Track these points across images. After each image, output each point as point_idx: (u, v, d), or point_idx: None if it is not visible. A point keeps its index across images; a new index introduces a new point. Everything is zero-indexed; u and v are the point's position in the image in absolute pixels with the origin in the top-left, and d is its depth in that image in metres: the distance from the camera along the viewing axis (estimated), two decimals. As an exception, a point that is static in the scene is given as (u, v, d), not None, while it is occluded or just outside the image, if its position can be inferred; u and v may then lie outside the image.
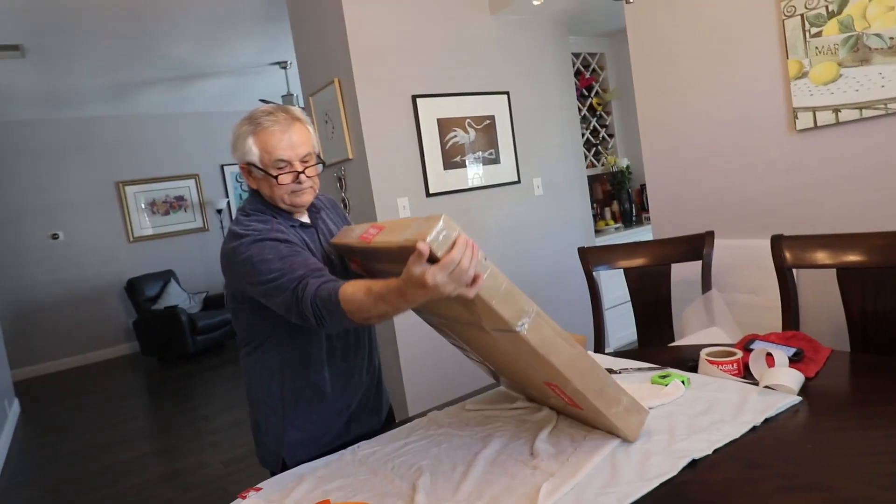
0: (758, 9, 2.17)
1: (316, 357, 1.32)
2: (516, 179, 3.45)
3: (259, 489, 1.14)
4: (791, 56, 2.09)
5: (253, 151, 1.24)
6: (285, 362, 1.32)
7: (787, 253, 1.70)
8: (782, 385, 1.18)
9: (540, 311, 0.93)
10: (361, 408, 1.42)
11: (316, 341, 1.32)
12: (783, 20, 2.09)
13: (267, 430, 1.36)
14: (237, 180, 7.10)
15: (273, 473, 1.29)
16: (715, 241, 2.06)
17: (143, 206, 6.49)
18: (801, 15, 2.04)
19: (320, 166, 1.32)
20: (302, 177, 1.26)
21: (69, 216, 6.09)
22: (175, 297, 6.01)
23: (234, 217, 1.27)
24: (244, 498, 1.11)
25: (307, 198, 1.30)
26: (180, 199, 6.73)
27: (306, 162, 1.27)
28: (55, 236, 6.03)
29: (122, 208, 6.37)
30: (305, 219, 1.36)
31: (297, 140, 1.25)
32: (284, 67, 5.30)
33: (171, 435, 3.65)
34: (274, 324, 1.28)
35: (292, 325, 1.23)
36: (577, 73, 4.48)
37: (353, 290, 1.02)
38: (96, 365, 6.03)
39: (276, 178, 1.24)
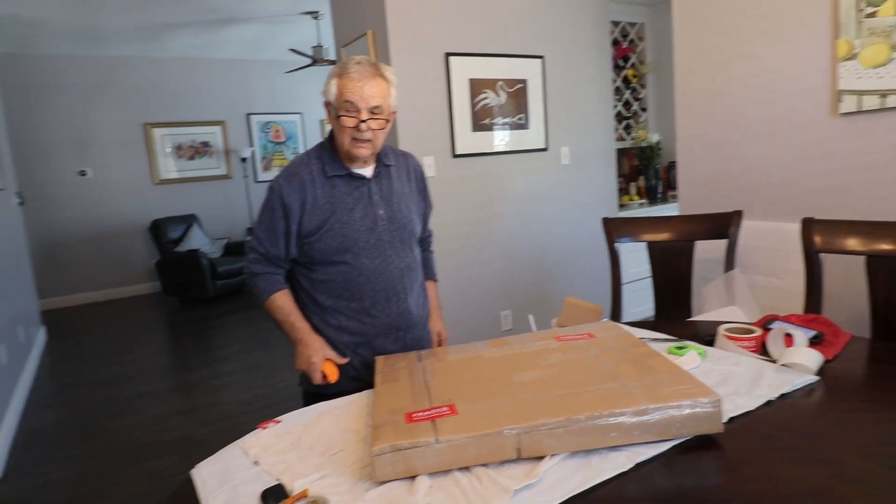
0: (812, -17, 2.09)
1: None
2: (544, 147, 3.41)
3: (279, 421, 1.19)
4: (842, 36, 2.02)
5: (332, 91, 1.37)
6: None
7: (817, 237, 1.68)
8: (800, 364, 1.19)
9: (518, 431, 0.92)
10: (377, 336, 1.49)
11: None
12: (838, -3, 2.01)
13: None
14: (262, 131, 7.11)
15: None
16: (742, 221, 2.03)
17: (169, 149, 6.54)
18: (858, -8, 1.96)
19: (384, 122, 1.38)
20: (362, 125, 1.34)
21: (97, 154, 6.17)
22: (197, 240, 6.12)
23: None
24: (264, 428, 1.16)
25: (363, 151, 1.39)
26: (206, 144, 6.77)
27: (374, 115, 1.35)
28: (83, 173, 6.13)
29: (148, 150, 6.43)
30: (364, 171, 1.45)
31: (370, 91, 1.33)
32: (316, 17, 5.23)
33: (190, 372, 3.78)
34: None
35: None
36: (615, 43, 4.36)
37: (275, 308, 1.44)
38: (120, 301, 6.21)
39: (338, 118, 1.35)
